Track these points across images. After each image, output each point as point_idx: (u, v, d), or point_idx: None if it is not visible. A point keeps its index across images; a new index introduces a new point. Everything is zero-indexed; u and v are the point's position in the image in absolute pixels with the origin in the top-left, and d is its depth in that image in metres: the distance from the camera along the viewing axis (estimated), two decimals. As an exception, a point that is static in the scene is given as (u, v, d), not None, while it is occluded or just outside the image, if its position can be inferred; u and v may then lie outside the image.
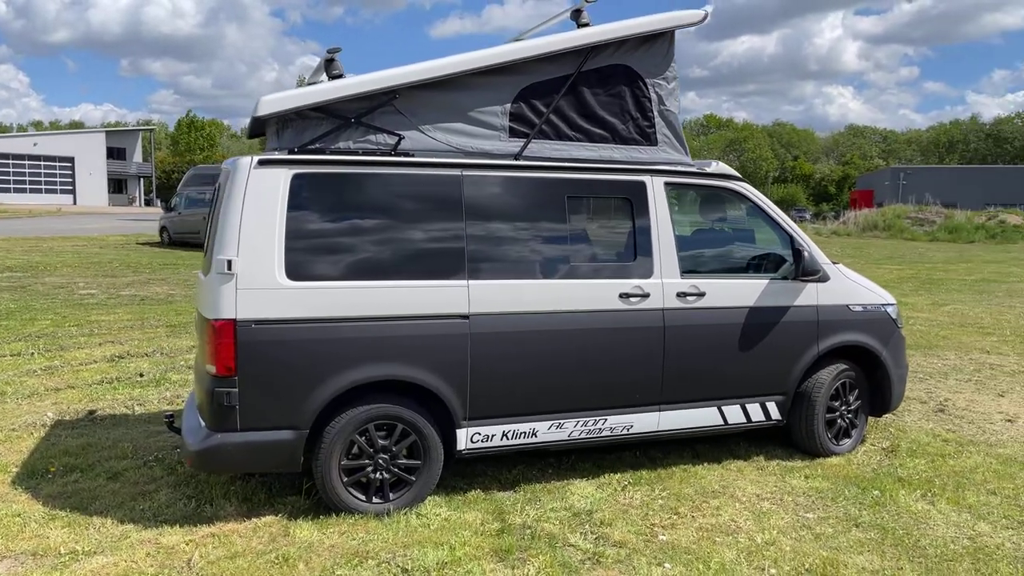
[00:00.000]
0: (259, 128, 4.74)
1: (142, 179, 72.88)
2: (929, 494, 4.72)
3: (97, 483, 4.74)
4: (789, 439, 5.46)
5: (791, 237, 5.18)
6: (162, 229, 26.82)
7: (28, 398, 6.64)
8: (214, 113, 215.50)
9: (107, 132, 71.06)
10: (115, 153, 69.00)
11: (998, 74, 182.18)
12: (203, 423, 4.21)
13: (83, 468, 4.97)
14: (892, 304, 5.59)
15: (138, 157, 73.41)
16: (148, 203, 70.00)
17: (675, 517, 4.37)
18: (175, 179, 71.70)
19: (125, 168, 70.92)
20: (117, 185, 70.61)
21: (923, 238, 39.32)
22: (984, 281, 18.67)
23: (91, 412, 6.26)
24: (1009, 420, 6.37)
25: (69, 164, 62.86)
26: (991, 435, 5.96)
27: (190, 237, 25.26)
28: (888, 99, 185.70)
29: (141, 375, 7.50)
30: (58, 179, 62.43)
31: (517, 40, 5.66)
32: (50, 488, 4.65)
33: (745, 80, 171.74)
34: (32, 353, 8.35)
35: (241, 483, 4.70)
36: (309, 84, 5.17)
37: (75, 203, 60.27)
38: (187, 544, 3.94)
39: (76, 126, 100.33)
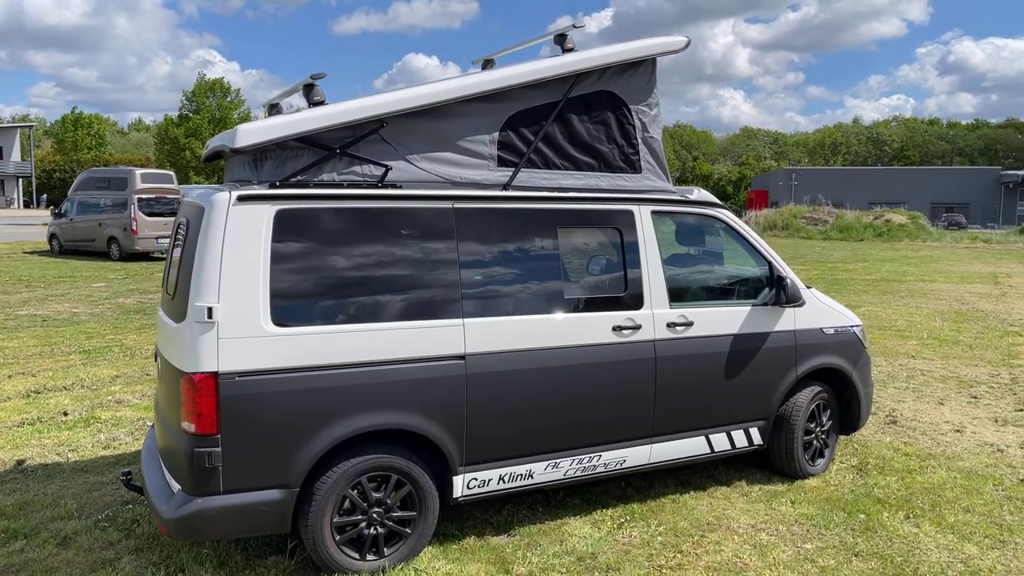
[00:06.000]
0: (218, 154, 4.37)
1: (20, 179, 67.82)
2: (912, 516, 4.82)
3: (47, 551, 4.23)
4: (767, 461, 5.50)
5: (770, 263, 5.20)
6: (51, 237, 24.90)
7: (-61, 447, 5.93)
8: (99, 107, 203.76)
9: (-19, 130, 65.87)
10: (-10, 152, 64.09)
11: (873, 79, 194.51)
12: (177, 486, 3.81)
13: (27, 533, 4.44)
14: (859, 325, 5.72)
15: (16, 156, 68.28)
16: (28, 204, 65.27)
17: (679, 556, 4.29)
18: (57, 179, 67.01)
19: (2, 168, 65.88)
20: (-7, 186, 65.57)
21: (818, 237, 41.39)
22: (884, 281, 19.75)
23: (19, 462, 5.63)
24: (957, 431, 6.65)
25: (-61, 164, 57.90)
26: (946, 447, 6.20)
27: (83, 245, 23.62)
28: (776, 102, 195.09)
29: (65, 414, 6.85)
30: (-73, 181, 57.40)
31: (487, 62, 5.47)
32: (-8, 562, 4.13)
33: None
34: (-68, 390, 7.51)
35: (212, 544, 4.31)
36: (273, 104, 4.82)
37: (-55, 206, 55.57)
38: (168, 623, 3.56)
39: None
